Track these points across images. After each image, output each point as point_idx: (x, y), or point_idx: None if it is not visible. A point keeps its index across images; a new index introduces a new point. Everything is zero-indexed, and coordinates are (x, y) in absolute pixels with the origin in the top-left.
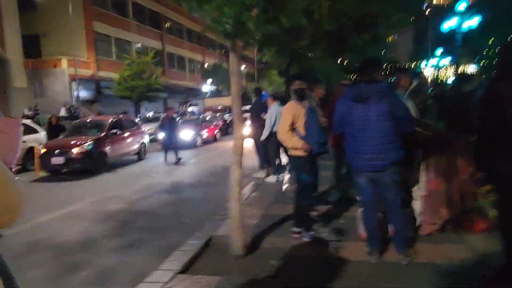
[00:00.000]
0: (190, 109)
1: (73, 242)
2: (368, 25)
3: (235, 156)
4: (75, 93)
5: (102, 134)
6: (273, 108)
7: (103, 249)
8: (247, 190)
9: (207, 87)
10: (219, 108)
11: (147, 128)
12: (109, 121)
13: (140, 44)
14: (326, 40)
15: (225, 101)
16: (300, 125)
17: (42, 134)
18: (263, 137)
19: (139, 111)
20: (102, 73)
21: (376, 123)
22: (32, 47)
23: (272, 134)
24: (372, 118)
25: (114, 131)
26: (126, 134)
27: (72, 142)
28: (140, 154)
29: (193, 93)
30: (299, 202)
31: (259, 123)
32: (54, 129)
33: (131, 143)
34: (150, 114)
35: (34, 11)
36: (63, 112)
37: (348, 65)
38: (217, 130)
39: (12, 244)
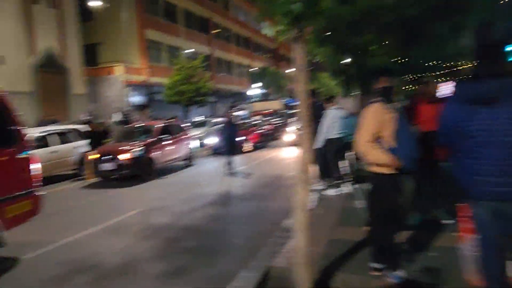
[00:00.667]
0: (237, 113)
1: (112, 264)
2: (453, 10)
3: (301, 173)
4: (128, 99)
5: (151, 140)
6: (331, 112)
7: (144, 275)
8: None
9: (254, 91)
10: (266, 111)
11: (195, 132)
12: (158, 126)
13: (190, 50)
14: (395, 33)
15: (273, 104)
16: (387, 134)
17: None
18: (316, 144)
19: (188, 116)
20: (154, 79)
21: (509, 134)
22: (90, 56)
23: (330, 141)
24: (502, 127)
25: (162, 136)
26: (174, 140)
27: (121, 148)
28: (189, 160)
29: (240, 97)
30: (378, 232)
31: (315, 129)
32: (94, 136)
33: (179, 149)
34: (199, 119)
35: (92, 21)
36: (119, 117)
37: (415, 63)
38: (265, 135)
39: (47, 263)
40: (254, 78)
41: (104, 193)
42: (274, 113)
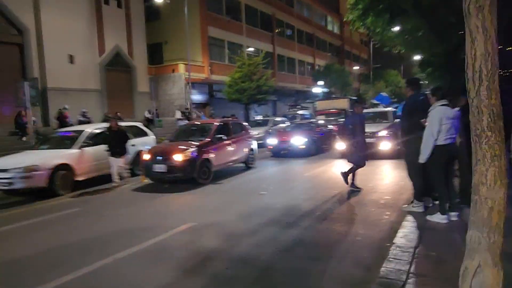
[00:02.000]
0: (300, 112)
1: None
2: None
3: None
4: (190, 96)
5: (207, 140)
6: (438, 109)
7: None
8: (403, 239)
9: (318, 89)
10: (332, 110)
11: (255, 132)
12: (215, 125)
13: (251, 48)
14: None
15: (339, 103)
16: None
17: (151, 138)
18: (423, 156)
19: (249, 114)
20: (215, 77)
21: None
22: (156, 55)
23: (438, 149)
24: None
25: (220, 136)
26: (233, 140)
27: (174, 149)
28: (248, 162)
29: (303, 96)
30: None
31: (415, 133)
32: (113, 137)
33: (239, 150)
34: (260, 117)
35: (158, 21)
36: (178, 115)
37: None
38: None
39: None
40: (318, 75)
41: (153, 199)
42: (341, 113)
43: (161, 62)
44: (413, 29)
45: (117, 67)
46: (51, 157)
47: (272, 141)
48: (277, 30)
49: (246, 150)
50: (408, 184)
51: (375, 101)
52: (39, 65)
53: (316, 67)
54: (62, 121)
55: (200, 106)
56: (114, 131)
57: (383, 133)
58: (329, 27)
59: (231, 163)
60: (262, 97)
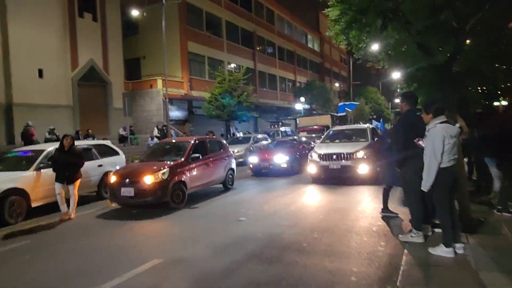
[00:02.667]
0: (282, 129)
1: None
2: None
3: None
4: (168, 113)
5: (181, 160)
6: (438, 129)
7: None
8: (407, 280)
9: (300, 105)
10: (315, 127)
11: (236, 150)
12: (191, 143)
13: (232, 64)
14: None
15: (321, 119)
16: None
17: (122, 157)
18: (426, 184)
19: (230, 131)
20: (195, 93)
21: None
22: (134, 70)
23: (443, 172)
24: None
25: (195, 155)
26: (210, 159)
27: (144, 170)
28: (226, 183)
29: (284, 112)
30: None
31: (412, 152)
32: (63, 159)
33: (216, 170)
34: (240, 135)
35: (137, 36)
36: (155, 132)
37: None
38: None
39: None
40: (300, 92)
41: (118, 228)
42: (325, 129)
43: (139, 78)
44: (397, 43)
45: (91, 82)
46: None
47: (252, 160)
48: (258, 47)
49: (224, 170)
50: (399, 208)
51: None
52: (5, 79)
53: (298, 84)
54: (27, 139)
55: (180, 122)
56: (65, 151)
57: (361, 154)
58: (310, 45)
59: (208, 185)
60: (243, 114)
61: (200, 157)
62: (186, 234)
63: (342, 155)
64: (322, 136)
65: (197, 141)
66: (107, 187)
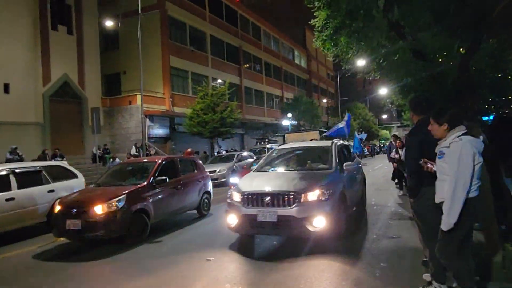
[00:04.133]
0: (269, 145)
1: None
2: None
3: None
4: (148, 130)
5: (143, 183)
6: (465, 143)
7: None
8: None
9: (287, 121)
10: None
11: (218, 169)
12: (157, 163)
13: (218, 80)
14: None
15: (309, 135)
16: None
17: (80, 181)
18: (451, 220)
19: (214, 149)
20: (178, 109)
21: None
22: (114, 85)
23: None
24: None
25: (162, 178)
26: (181, 182)
27: (94, 197)
28: (201, 209)
29: (271, 129)
30: None
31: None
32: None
33: (188, 195)
34: (223, 152)
35: (117, 50)
36: (133, 151)
37: None
38: None
39: None
40: (287, 108)
41: (53, 275)
42: None
43: (119, 93)
44: (389, 53)
45: (64, 98)
46: None
47: (234, 180)
48: (244, 63)
49: (198, 194)
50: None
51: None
52: None
53: (285, 100)
54: None
55: (161, 141)
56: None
57: (314, 194)
58: (297, 61)
59: (177, 212)
60: (226, 130)
61: (167, 180)
62: (136, 285)
63: (280, 197)
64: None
65: (164, 161)
66: (53, 218)
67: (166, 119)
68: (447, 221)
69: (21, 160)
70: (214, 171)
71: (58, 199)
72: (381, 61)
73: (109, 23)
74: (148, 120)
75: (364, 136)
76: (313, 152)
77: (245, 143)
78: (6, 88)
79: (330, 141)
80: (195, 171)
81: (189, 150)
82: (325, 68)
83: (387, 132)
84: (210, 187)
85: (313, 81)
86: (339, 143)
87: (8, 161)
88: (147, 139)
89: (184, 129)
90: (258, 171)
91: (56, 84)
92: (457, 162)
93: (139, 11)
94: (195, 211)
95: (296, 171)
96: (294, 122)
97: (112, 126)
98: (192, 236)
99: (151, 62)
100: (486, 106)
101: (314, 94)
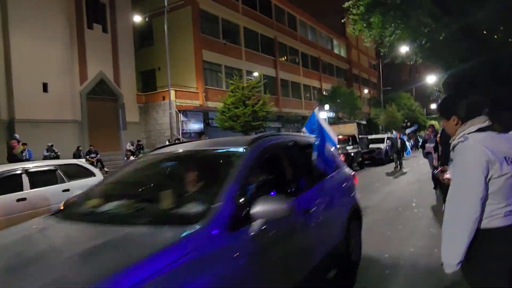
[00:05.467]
0: None
1: None
2: None
3: None
4: (182, 125)
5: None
6: (467, 145)
7: None
8: None
9: (324, 114)
10: (339, 137)
11: None
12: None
13: (254, 73)
14: None
15: (346, 128)
16: None
17: (99, 179)
18: (450, 260)
19: None
20: (211, 104)
21: None
22: (149, 82)
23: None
24: None
25: None
26: None
27: None
28: None
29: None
30: None
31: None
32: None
33: None
34: None
35: (152, 47)
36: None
37: None
38: None
39: None
40: (324, 100)
41: None
42: (351, 139)
43: (155, 89)
44: (433, 32)
45: (101, 95)
46: None
47: None
48: (280, 55)
49: None
50: None
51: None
52: (7, 94)
53: (324, 92)
54: (8, 152)
55: (197, 135)
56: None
57: None
58: (336, 51)
59: None
60: (259, 124)
61: None
62: None
63: None
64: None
65: None
66: None
67: (200, 113)
68: (448, 259)
69: (57, 157)
70: None
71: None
72: (423, 42)
73: (142, 20)
74: (181, 115)
75: (414, 128)
76: (199, 165)
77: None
78: (45, 87)
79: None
80: None
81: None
82: (367, 57)
83: (436, 122)
84: None
85: (353, 71)
86: (285, 141)
87: (45, 158)
88: (181, 134)
89: (216, 123)
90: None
91: (92, 82)
92: (457, 175)
93: (165, 5)
94: None
95: (111, 226)
96: (331, 114)
97: (147, 122)
98: None
99: (184, 57)
100: None
101: (354, 85)
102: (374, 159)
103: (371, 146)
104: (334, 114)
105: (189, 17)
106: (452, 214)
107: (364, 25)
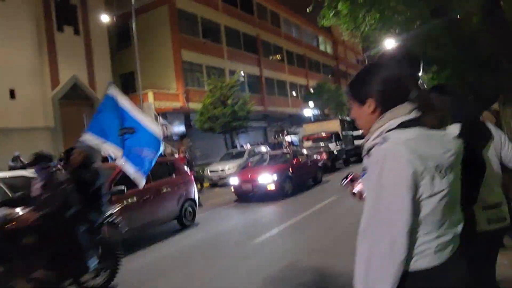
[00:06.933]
0: (288, 138)
1: None
2: None
3: None
4: (162, 129)
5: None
6: (381, 151)
7: None
8: None
9: (308, 111)
10: (323, 135)
11: (227, 167)
12: (114, 173)
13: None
14: None
15: (329, 125)
16: None
17: None
18: None
19: (233, 144)
20: (193, 105)
21: None
22: (129, 84)
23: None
24: None
25: (119, 188)
26: (150, 191)
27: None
28: (183, 219)
29: (295, 120)
30: None
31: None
32: None
33: (162, 204)
34: (248, 147)
35: (130, 48)
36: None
37: None
38: (318, 167)
39: None
40: (309, 96)
41: None
42: (334, 136)
43: (134, 92)
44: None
45: (75, 100)
46: None
47: (233, 181)
48: (264, 52)
49: (177, 202)
50: None
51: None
52: None
53: (310, 89)
54: None
55: (178, 138)
56: None
57: None
58: (322, 47)
59: (148, 227)
60: (239, 124)
61: (125, 190)
62: None
63: None
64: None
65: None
66: None
67: (181, 115)
68: None
69: (23, 167)
70: (222, 170)
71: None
72: (397, 31)
73: (114, 21)
74: (161, 118)
75: None
76: None
77: (268, 136)
78: (12, 94)
79: None
80: (174, 175)
81: (182, 148)
82: (353, 53)
83: None
84: (194, 193)
85: (340, 67)
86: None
87: (11, 169)
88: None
89: (195, 125)
90: None
91: (65, 87)
92: (373, 195)
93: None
94: (175, 222)
95: None
96: (316, 111)
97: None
98: (158, 258)
99: (163, 58)
100: None
101: (342, 81)
102: (360, 156)
103: (356, 142)
104: (319, 111)
105: (166, 16)
106: (367, 253)
107: (332, 14)
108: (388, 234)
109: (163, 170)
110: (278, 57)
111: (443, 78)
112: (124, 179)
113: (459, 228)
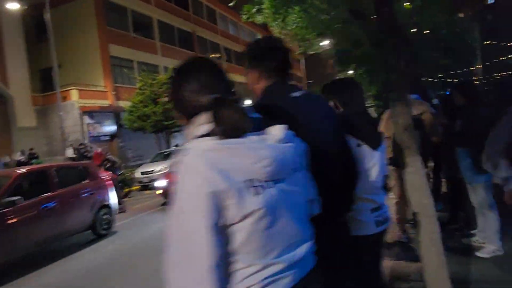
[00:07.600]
0: None
1: None
2: None
3: None
4: (88, 128)
5: None
6: (183, 166)
7: None
8: None
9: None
10: None
11: (158, 168)
12: (11, 179)
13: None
14: None
15: None
16: None
17: None
18: None
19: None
20: (124, 103)
21: None
22: (50, 81)
23: None
24: None
25: (12, 199)
26: (56, 199)
27: None
28: (97, 228)
29: None
30: None
31: None
32: None
33: (72, 213)
34: (170, 148)
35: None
36: (70, 153)
37: None
38: None
39: None
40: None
41: None
42: None
43: (54, 90)
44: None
45: None
46: None
47: (160, 183)
48: (200, 49)
49: (90, 210)
50: None
51: None
52: None
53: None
54: None
55: (108, 139)
56: None
57: None
58: None
59: (55, 239)
60: (171, 123)
61: (22, 200)
62: None
63: None
64: None
65: (27, 174)
66: None
67: (110, 114)
68: None
69: None
70: (152, 171)
71: None
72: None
73: (34, 11)
74: (87, 117)
75: None
76: None
77: None
78: None
79: None
80: (86, 181)
81: (99, 150)
82: (292, 52)
83: None
84: (111, 199)
85: None
86: None
87: None
88: (87, 139)
89: (124, 124)
90: None
91: None
92: (174, 218)
93: None
94: (89, 232)
95: None
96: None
97: (48, 126)
98: (69, 275)
99: (89, 52)
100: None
101: None
102: None
103: None
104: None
105: (92, 8)
106: None
107: (254, 10)
108: (194, 270)
109: (73, 175)
110: (216, 55)
111: (361, 77)
112: (23, 188)
113: (304, 249)
